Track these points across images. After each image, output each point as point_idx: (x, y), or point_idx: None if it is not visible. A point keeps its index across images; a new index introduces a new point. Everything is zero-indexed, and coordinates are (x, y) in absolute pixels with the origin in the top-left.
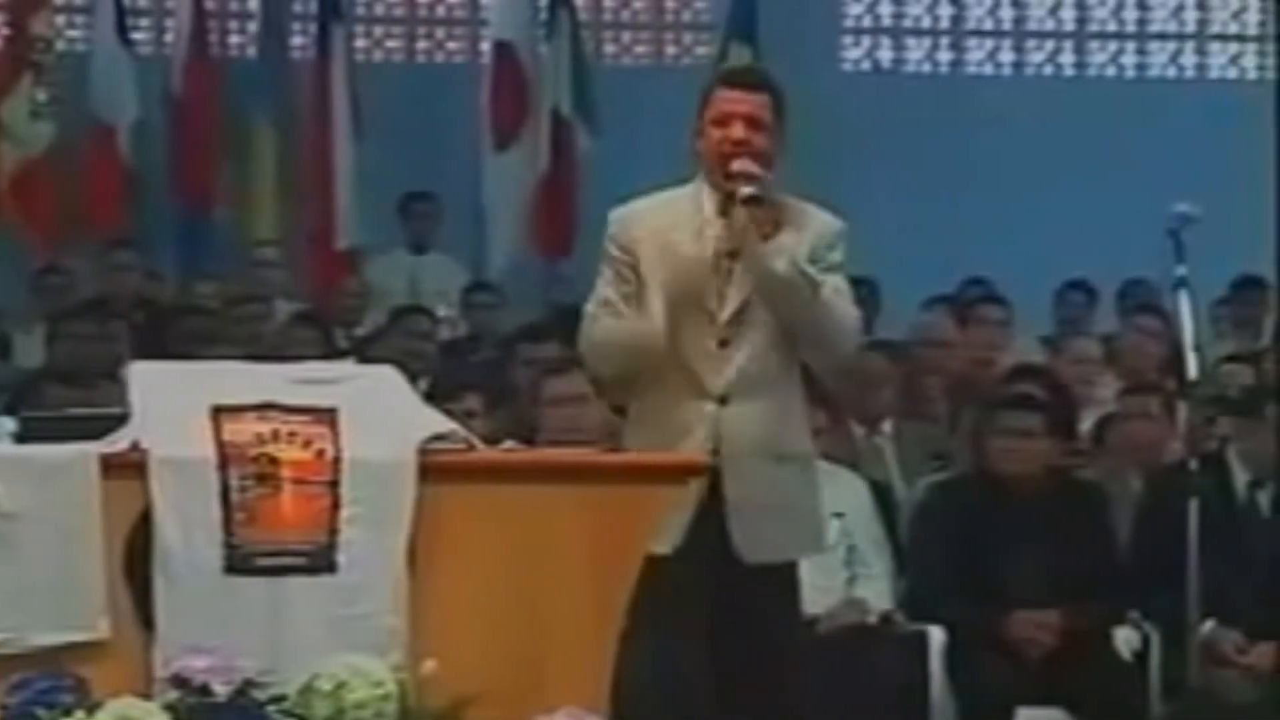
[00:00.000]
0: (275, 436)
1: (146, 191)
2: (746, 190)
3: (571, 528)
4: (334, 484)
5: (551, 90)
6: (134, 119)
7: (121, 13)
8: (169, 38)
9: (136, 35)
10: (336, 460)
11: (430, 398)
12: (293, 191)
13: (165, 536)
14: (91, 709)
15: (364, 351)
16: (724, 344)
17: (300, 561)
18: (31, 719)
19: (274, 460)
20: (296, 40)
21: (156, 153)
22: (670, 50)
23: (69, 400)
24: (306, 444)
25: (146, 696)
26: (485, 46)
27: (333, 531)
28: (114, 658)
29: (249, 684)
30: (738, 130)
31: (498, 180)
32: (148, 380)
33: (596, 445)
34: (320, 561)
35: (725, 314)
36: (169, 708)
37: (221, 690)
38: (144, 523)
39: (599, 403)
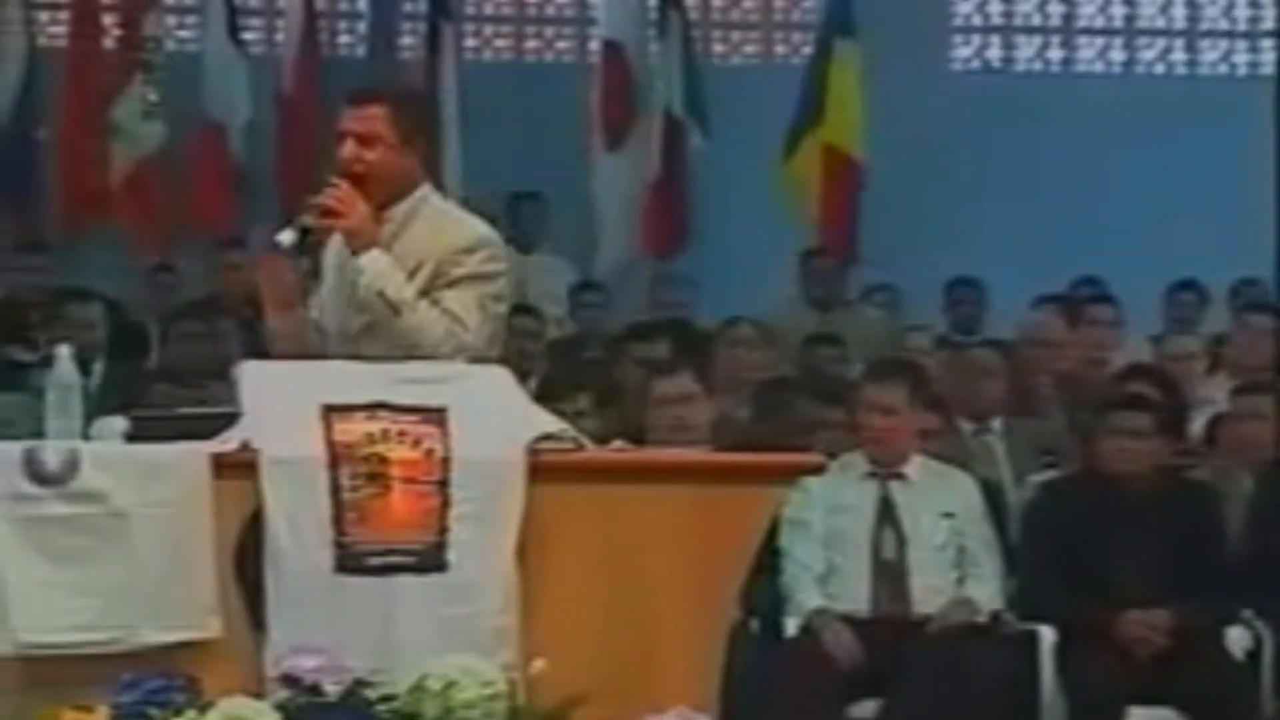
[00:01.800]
0: (385, 436)
1: (256, 190)
2: (302, 222)
3: (679, 527)
4: (443, 483)
5: (663, 90)
6: (245, 119)
7: (233, 13)
8: (280, 37)
9: (247, 35)
10: (446, 460)
11: (540, 397)
12: None
13: (276, 536)
14: (203, 708)
15: None
16: (355, 358)
17: (410, 561)
18: (143, 718)
19: (384, 460)
20: (406, 40)
21: (266, 152)
22: (780, 49)
23: (179, 399)
24: (416, 443)
25: (257, 696)
26: (594, 46)
27: (442, 531)
28: (225, 657)
29: (359, 683)
30: (347, 148)
31: (607, 180)
32: (258, 380)
33: (704, 445)
34: (430, 561)
35: (354, 327)
36: (279, 707)
37: (332, 690)
38: (254, 522)
39: (707, 402)
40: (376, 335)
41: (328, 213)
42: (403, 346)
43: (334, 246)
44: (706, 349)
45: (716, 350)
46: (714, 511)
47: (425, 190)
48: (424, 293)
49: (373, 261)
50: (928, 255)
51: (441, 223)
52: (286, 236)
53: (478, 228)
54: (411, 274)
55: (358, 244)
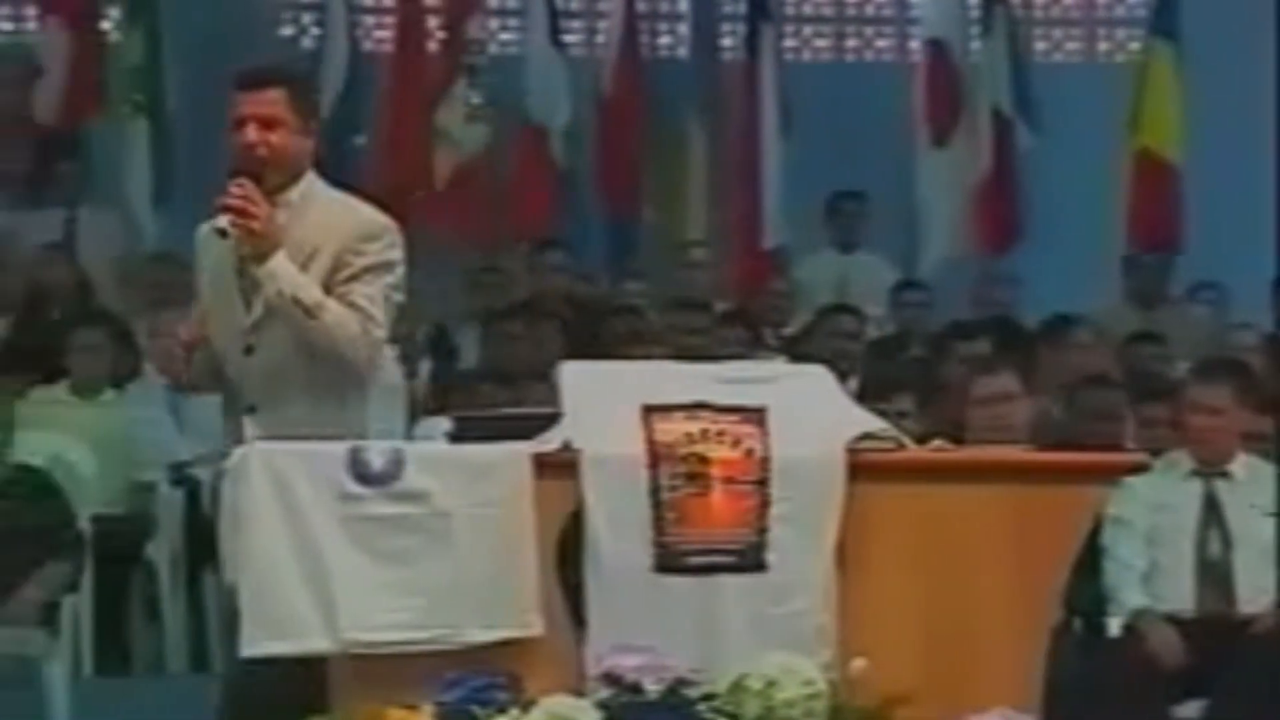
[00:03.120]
0: (705, 436)
1: (576, 192)
2: (219, 223)
3: (1000, 527)
4: (763, 483)
5: (990, 88)
6: (566, 120)
7: (554, 15)
8: (600, 39)
9: (569, 37)
10: (765, 459)
11: (861, 397)
12: (720, 191)
13: (596, 535)
14: (525, 706)
15: (792, 351)
16: (249, 350)
17: (730, 560)
18: (467, 716)
19: (704, 459)
20: (726, 40)
21: (587, 153)
22: (1102, 46)
23: (501, 400)
24: (736, 443)
25: (578, 694)
26: (914, 45)
27: (762, 530)
28: (546, 655)
29: (680, 682)
30: (250, 134)
31: (932, 178)
32: (578, 380)
33: (1022, 444)
34: (750, 560)
35: (249, 320)
36: (601, 705)
37: (652, 688)
38: (575, 521)
39: (1027, 401)
40: (275, 328)
41: (237, 214)
42: (305, 340)
43: (213, 249)
44: (1030, 347)
45: (1040, 349)
46: (1035, 511)
47: (313, 175)
48: (327, 284)
49: (280, 266)
50: (1254, 252)
51: (337, 209)
52: (223, 223)
53: (375, 214)
54: (307, 260)
55: (266, 246)
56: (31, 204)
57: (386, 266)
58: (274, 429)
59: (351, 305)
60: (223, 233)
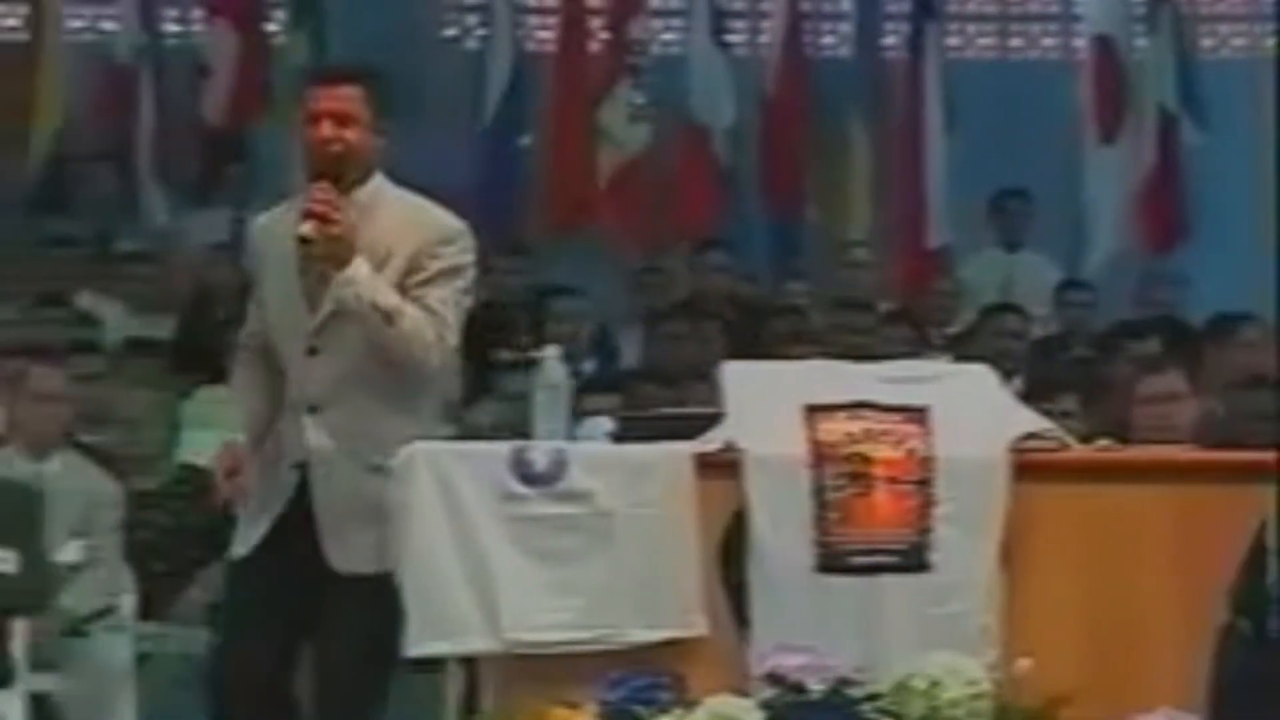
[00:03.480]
0: (867, 435)
1: (739, 192)
2: (303, 230)
3: (1166, 526)
4: (925, 483)
5: (1155, 85)
6: (729, 120)
7: (717, 15)
8: (763, 39)
9: (731, 37)
10: (928, 459)
11: (1026, 397)
12: (884, 191)
13: (759, 535)
14: (689, 706)
15: (956, 350)
16: (313, 351)
17: (892, 560)
18: (630, 716)
19: (866, 459)
20: (889, 39)
21: (749, 153)
22: (1268, 42)
23: (662, 400)
24: (898, 443)
25: (742, 694)
26: (1079, 42)
27: (924, 530)
28: (710, 655)
29: (843, 682)
30: (325, 128)
31: (1098, 176)
32: (740, 380)
33: (1187, 444)
34: (912, 560)
35: (315, 322)
36: (765, 705)
37: (816, 688)
38: (737, 521)
39: (1193, 401)
40: (349, 324)
41: (320, 219)
42: (378, 345)
43: (267, 257)
44: (1196, 347)
45: (1206, 348)
46: (1200, 511)
47: (381, 175)
48: (400, 288)
49: (360, 270)
50: None
51: (409, 211)
52: (306, 229)
53: (449, 217)
54: (381, 263)
55: (344, 251)
56: (199, 204)
57: (459, 270)
58: (339, 430)
59: (426, 309)
60: (305, 240)
